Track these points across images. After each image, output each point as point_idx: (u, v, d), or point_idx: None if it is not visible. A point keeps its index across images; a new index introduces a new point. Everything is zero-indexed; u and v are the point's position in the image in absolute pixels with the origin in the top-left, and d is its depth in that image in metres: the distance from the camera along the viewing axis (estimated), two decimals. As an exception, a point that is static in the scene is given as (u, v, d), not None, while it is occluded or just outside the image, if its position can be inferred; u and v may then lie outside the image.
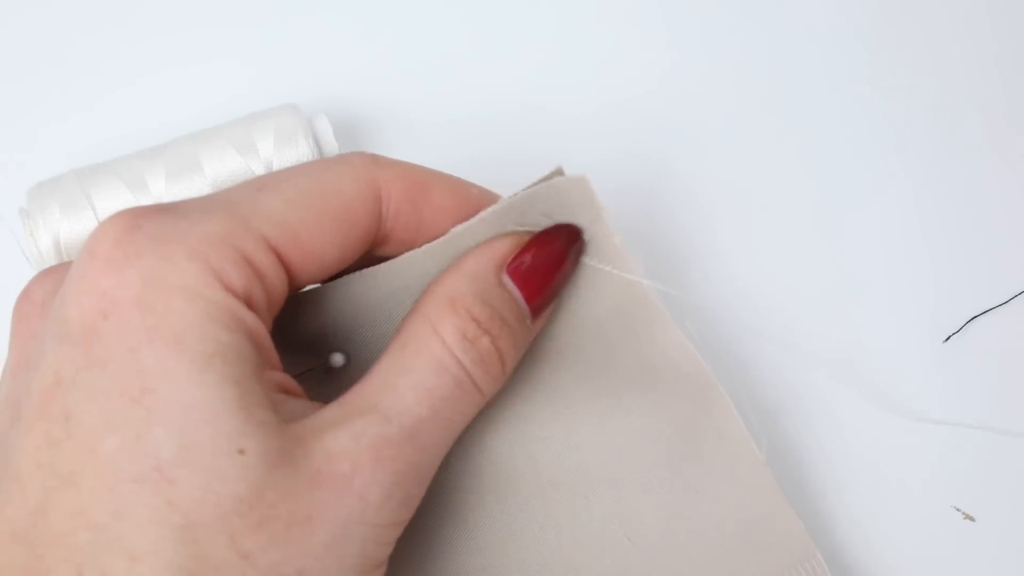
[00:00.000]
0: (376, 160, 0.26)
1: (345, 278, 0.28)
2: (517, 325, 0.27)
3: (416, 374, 0.24)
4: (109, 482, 0.21)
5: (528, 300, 0.27)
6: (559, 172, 0.28)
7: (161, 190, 0.35)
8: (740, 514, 0.30)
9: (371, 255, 0.28)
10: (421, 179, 0.27)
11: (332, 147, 0.36)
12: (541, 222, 0.29)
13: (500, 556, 0.29)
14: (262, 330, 0.23)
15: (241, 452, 0.21)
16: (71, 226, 0.34)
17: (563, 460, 0.30)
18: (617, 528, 0.30)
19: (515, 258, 0.27)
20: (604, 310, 0.31)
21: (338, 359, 0.28)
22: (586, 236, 0.29)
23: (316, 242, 0.25)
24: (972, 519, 0.33)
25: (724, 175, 0.39)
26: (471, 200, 0.28)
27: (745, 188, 0.39)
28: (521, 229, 0.28)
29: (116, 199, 0.34)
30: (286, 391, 0.24)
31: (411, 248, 0.27)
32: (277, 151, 0.35)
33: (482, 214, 0.29)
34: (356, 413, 0.23)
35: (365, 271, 0.28)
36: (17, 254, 0.35)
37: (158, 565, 0.20)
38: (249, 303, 0.23)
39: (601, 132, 0.40)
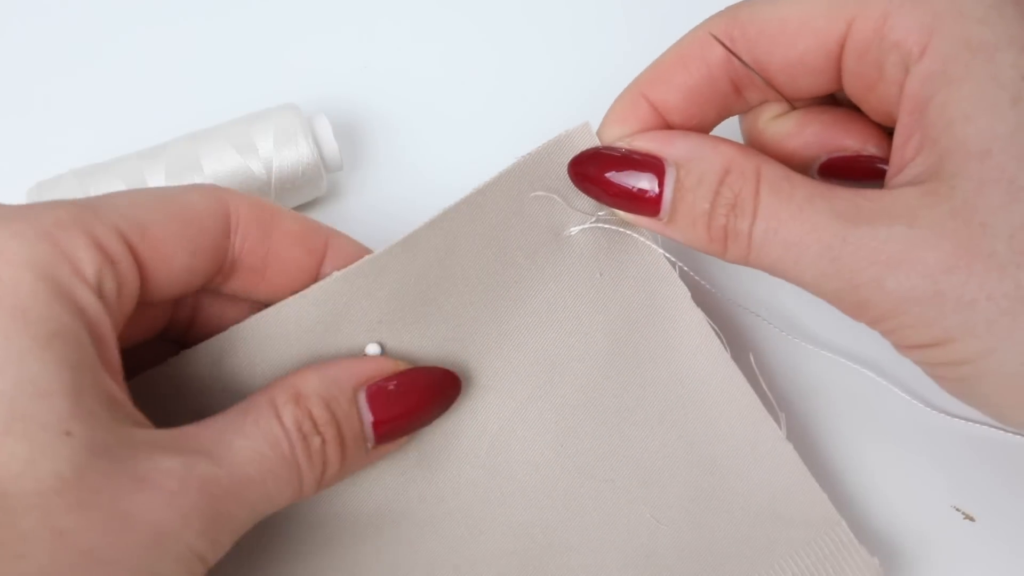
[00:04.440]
0: (224, 188, 0.27)
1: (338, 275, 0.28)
2: (351, 443, 0.27)
3: (252, 439, 0.25)
4: None
5: (375, 427, 0.27)
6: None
7: (161, 190, 0.35)
8: (764, 489, 0.30)
9: (219, 290, 0.28)
10: (269, 206, 0.28)
11: (332, 147, 0.36)
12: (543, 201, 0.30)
13: (528, 540, 0.30)
14: (106, 326, 0.24)
15: (68, 434, 0.21)
16: (71, 226, 0.34)
17: (591, 448, 0.30)
18: (644, 510, 0.30)
19: (380, 382, 0.28)
20: (630, 289, 0.31)
21: (373, 348, 0.29)
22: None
23: (166, 240, 0.25)
24: (972, 519, 0.32)
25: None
26: (318, 231, 0.28)
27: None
28: (401, 362, 0.29)
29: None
30: (116, 400, 0.24)
31: (259, 281, 0.28)
32: (277, 151, 0.35)
33: (495, 176, 0.29)
34: (189, 449, 0.24)
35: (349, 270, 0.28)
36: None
37: None
38: (100, 289, 0.23)
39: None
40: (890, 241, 0.24)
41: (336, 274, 0.28)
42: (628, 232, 0.31)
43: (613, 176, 0.28)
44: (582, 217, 0.30)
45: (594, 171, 0.29)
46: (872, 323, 0.26)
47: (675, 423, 0.31)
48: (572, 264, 0.31)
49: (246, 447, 0.24)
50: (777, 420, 0.31)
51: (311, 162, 0.35)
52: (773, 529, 0.30)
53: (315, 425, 0.26)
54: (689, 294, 0.31)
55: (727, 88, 0.29)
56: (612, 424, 0.31)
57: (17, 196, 0.36)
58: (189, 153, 0.35)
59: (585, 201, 0.30)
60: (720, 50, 0.28)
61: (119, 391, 0.24)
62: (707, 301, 0.33)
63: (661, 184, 0.28)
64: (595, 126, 0.30)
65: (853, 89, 0.28)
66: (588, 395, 0.31)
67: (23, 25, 0.42)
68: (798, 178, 0.27)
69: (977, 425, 0.33)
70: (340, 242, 0.29)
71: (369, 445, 0.27)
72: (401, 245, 0.29)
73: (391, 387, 0.28)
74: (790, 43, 0.27)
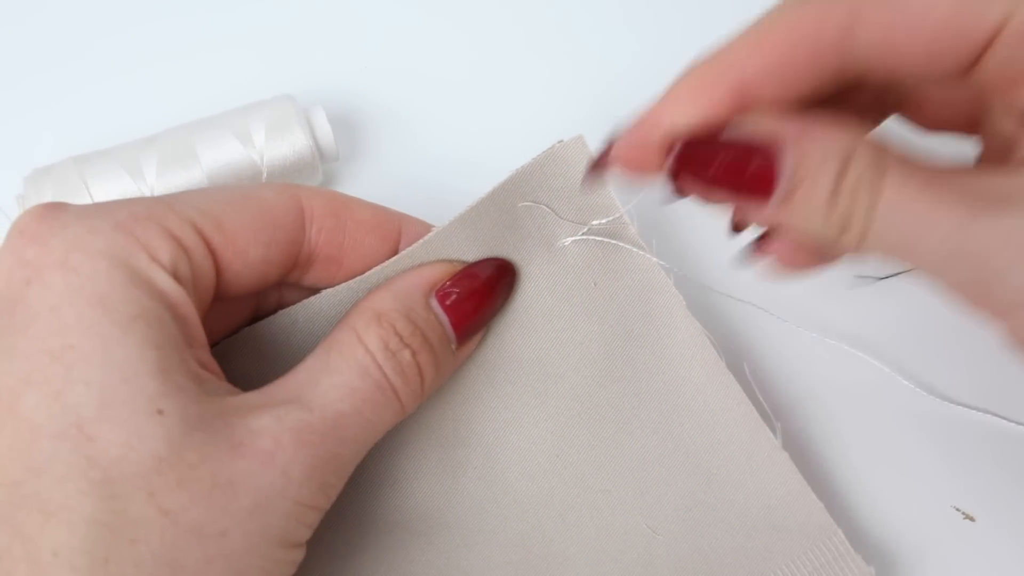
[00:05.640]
0: (297, 184, 0.28)
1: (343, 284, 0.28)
2: (439, 346, 0.27)
3: (340, 375, 0.25)
4: (27, 438, 0.21)
5: (454, 326, 0.28)
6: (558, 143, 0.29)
7: (157, 178, 0.34)
8: (760, 499, 0.30)
9: (300, 282, 0.28)
10: (341, 197, 0.28)
11: (327, 136, 0.36)
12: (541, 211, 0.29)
13: (524, 551, 0.30)
14: (188, 305, 0.24)
15: (160, 412, 0.21)
16: (66, 213, 0.34)
17: (587, 458, 0.30)
18: (641, 520, 0.30)
19: (445, 285, 0.28)
20: (625, 298, 0.31)
21: None
22: (590, 207, 0.30)
23: (239, 233, 0.25)
24: (972, 519, 0.32)
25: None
26: (391, 218, 0.29)
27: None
28: (455, 259, 0.29)
29: (112, 185, 0.34)
30: (205, 374, 0.24)
31: (337, 271, 0.28)
32: (272, 141, 0.35)
33: (489, 191, 0.29)
34: (279, 401, 0.24)
35: (359, 277, 0.28)
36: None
37: (75, 520, 0.21)
38: (177, 274, 0.24)
39: (599, 128, 0.39)
40: (1020, 230, 0.22)
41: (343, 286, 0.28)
42: (620, 244, 0.30)
43: (723, 159, 0.23)
44: (574, 228, 0.30)
45: (703, 156, 0.24)
46: (992, 317, 0.24)
47: (671, 433, 0.30)
48: (566, 275, 0.30)
49: (335, 384, 0.25)
50: (773, 429, 0.30)
51: (306, 151, 0.35)
52: (769, 539, 0.29)
53: (401, 339, 0.26)
54: (684, 303, 0.31)
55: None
56: (608, 434, 0.30)
57: (14, 184, 0.36)
58: (185, 142, 0.35)
59: (576, 212, 0.30)
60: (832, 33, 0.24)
61: (208, 364, 0.24)
62: (704, 304, 0.32)
63: (778, 164, 0.23)
64: (591, 132, 0.29)
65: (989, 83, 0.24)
66: (584, 405, 0.30)
67: (21, 13, 0.42)
68: (920, 158, 0.24)
69: (976, 426, 0.33)
70: (412, 226, 0.29)
71: (454, 346, 0.28)
72: (395, 264, 0.28)
73: (457, 287, 0.28)
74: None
